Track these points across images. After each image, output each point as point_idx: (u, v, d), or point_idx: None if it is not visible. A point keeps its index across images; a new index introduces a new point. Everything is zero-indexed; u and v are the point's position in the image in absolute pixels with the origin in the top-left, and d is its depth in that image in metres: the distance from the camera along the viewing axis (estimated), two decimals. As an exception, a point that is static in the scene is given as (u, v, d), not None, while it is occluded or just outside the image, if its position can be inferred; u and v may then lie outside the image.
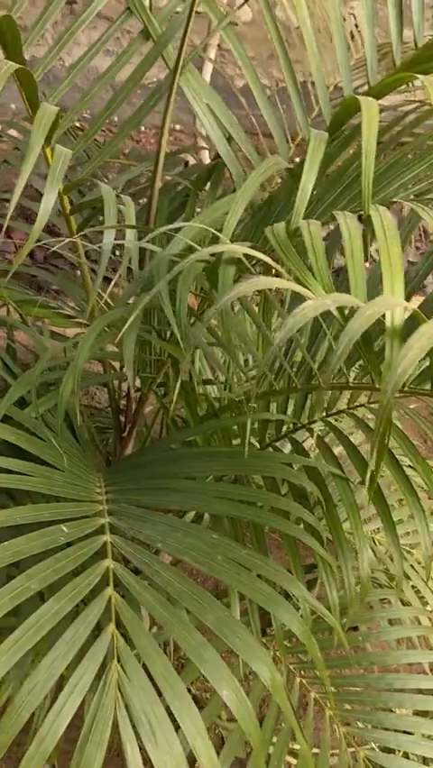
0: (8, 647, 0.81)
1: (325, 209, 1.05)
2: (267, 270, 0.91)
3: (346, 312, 0.81)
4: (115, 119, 2.68)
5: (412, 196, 0.99)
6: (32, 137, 0.90)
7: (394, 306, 0.63)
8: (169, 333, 1.29)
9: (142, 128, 3.06)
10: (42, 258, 2.71)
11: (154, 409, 1.76)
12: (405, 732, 1.23)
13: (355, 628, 1.40)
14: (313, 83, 1.27)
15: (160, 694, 0.84)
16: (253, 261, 0.87)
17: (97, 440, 1.60)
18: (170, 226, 0.88)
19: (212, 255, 0.90)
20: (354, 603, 1.12)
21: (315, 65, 1.22)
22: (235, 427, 1.34)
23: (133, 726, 0.83)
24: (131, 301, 1.04)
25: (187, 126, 3.29)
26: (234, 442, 1.33)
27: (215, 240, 0.93)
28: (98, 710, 0.82)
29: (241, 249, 0.79)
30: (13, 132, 1.83)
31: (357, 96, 0.88)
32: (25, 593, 0.86)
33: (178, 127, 3.21)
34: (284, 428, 1.33)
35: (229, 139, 1.25)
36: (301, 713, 1.26)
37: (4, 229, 1.05)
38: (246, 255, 0.85)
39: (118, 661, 0.86)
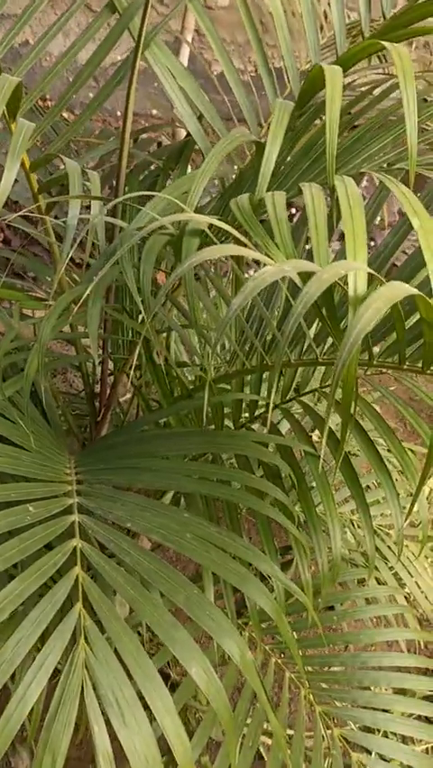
0: (-29, 628, 0.79)
1: (293, 183, 1.03)
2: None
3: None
4: (83, 102, 2.65)
5: (382, 169, 0.98)
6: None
7: (354, 269, 0.62)
8: (139, 314, 1.27)
9: (118, 113, 3.03)
10: (19, 245, 2.68)
11: (130, 393, 1.75)
12: (382, 710, 1.23)
13: (331, 608, 1.40)
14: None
15: (130, 676, 0.83)
16: (220, 235, 0.86)
17: (75, 426, 1.58)
18: (134, 195, 0.86)
19: (177, 228, 0.88)
20: (327, 582, 1.11)
21: (285, 47, 1.20)
22: (210, 410, 1.33)
23: (102, 707, 0.82)
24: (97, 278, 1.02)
25: (166, 111, 3.25)
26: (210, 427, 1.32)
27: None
28: (65, 690, 0.81)
29: (204, 218, 0.78)
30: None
31: (322, 65, 0.86)
32: (-11, 573, 0.84)
33: (155, 112, 3.18)
34: (258, 410, 1.32)
35: (200, 117, 1.24)
36: (277, 694, 1.25)
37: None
38: (212, 230, 0.84)
39: (85, 640, 0.84)
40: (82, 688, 0.81)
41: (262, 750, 1.60)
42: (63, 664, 0.84)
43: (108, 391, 1.51)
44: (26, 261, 1.51)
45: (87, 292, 0.83)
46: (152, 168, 1.48)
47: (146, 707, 0.81)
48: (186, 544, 0.92)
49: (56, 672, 0.82)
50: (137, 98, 1.23)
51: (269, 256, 0.77)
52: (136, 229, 0.89)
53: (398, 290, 0.59)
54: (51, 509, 0.96)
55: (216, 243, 0.86)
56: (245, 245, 0.79)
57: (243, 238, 0.80)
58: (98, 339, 1.30)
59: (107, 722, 0.80)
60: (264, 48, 1.30)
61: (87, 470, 1.09)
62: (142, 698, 0.82)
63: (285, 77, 1.34)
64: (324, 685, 1.24)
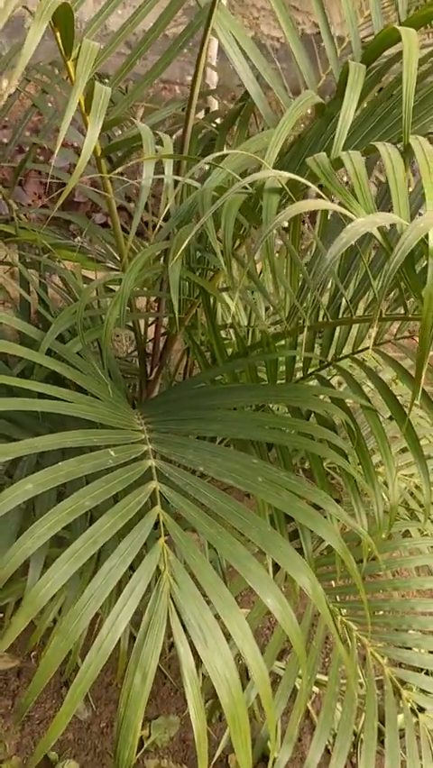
0: (68, 557, 0.86)
1: (358, 144, 1.07)
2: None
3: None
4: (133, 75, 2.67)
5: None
6: (78, 69, 0.92)
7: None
8: (199, 270, 1.32)
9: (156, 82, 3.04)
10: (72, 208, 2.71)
11: (178, 354, 1.81)
12: (430, 652, 1.30)
13: (373, 560, 1.46)
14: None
15: (209, 603, 0.90)
16: (284, 196, 0.89)
17: (124, 386, 1.64)
18: (214, 155, 0.90)
19: (252, 186, 0.92)
20: (382, 529, 1.17)
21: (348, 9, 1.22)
22: (264, 368, 1.38)
23: (186, 632, 0.88)
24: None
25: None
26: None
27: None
28: (152, 617, 0.88)
29: (286, 174, 0.82)
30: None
31: (395, 27, 0.90)
32: (80, 510, 0.91)
33: (189, 79, 3.19)
34: (311, 367, 1.37)
35: (258, 78, 1.27)
36: (330, 636, 1.32)
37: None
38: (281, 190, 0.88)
39: (169, 572, 0.91)
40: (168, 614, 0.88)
41: (309, 707, 1.69)
42: (148, 595, 0.90)
43: (161, 350, 1.56)
44: (80, 221, 1.55)
45: (165, 248, 0.87)
46: (203, 133, 1.52)
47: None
48: (257, 487, 0.98)
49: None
50: (169, 68, 1.26)
51: (350, 211, 0.81)
52: (213, 187, 0.93)
53: None
54: (131, 454, 1.02)
55: (292, 198, 0.91)
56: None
57: (324, 196, 0.84)
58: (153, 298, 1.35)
59: (191, 644, 0.87)
60: (315, 14, 1.32)
61: (155, 420, 1.15)
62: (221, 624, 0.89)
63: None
64: (375, 627, 1.31)
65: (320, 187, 0.90)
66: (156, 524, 0.95)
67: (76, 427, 1.12)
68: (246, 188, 0.95)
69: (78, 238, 1.98)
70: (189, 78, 3.33)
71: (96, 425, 1.05)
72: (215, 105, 2.55)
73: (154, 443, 1.07)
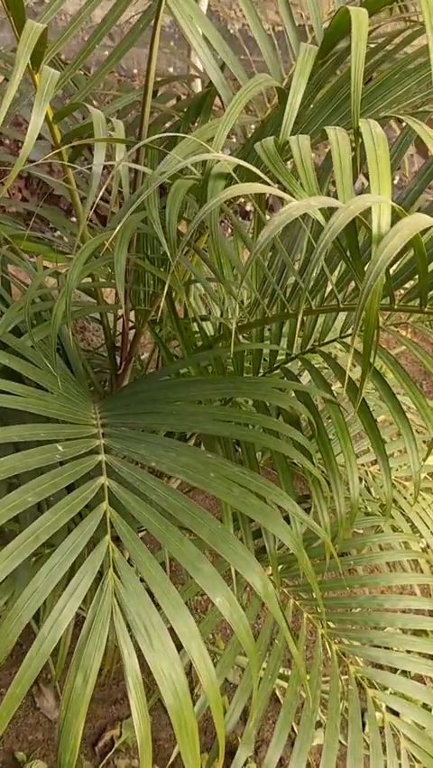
0: (8, 553, 0.83)
1: (316, 129, 1.04)
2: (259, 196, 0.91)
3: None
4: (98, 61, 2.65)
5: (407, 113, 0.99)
6: (18, 51, 0.89)
7: (378, 201, 0.64)
8: (162, 264, 1.29)
9: (135, 71, 3.01)
10: (39, 201, 2.69)
11: (151, 346, 1.78)
12: (397, 650, 1.27)
13: (346, 555, 1.44)
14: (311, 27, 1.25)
15: (157, 605, 0.87)
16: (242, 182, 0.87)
17: (95, 380, 1.61)
18: (159, 136, 0.87)
19: (201, 173, 0.90)
20: (344, 524, 1.14)
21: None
22: (230, 361, 1.36)
23: (130, 632, 0.86)
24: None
25: (180, 71, 3.22)
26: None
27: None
28: (96, 615, 0.85)
29: (230, 159, 0.79)
30: None
31: (348, 7, 0.87)
32: (23, 505, 0.88)
33: (171, 70, 3.15)
34: (276, 362, 1.34)
35: (222, 67, 1.24)
36: (295, 632, 1.30)
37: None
38: (235, 176, 0.86)
39: (114, 570, 0.88)
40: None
41: (278, 693, 1.67)
42: (91, 594, 0.88)
43: (129, 344, 1.53)
44: (47, 214, 1.53)
45: (113, 236, 0.85)
46: (173, 121, 1.49)
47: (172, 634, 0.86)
48: (209, 483, 0.96)
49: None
50: (157, 59, 1.23)
51: (293, 196, 0.78)
52: (161, 173, 0.90)
53: (422, 220, 0.61)
54: (80, 449, 0.99)
55: (237, 182, 0.88)
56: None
57: (268, 180, 0.82)
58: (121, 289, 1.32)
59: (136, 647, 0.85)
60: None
61: (112, 414, 1.13)
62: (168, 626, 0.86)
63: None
64: (341, 625, 1.28)
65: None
66: (105, 521, 0.93)
67: (30, 422, 1.10)
68: (196, 176, 0.92)
69: (54, 233, 1.95)
70: (172, 69, 3.30)
71: (46, 420, 1.03)
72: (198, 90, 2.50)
73: (107, 438, 1.04)
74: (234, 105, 0.88)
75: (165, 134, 0.89)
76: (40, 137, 1.30)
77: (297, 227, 1.17)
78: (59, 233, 2.08)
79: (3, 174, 2.36)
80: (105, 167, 1.16)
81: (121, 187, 1.05)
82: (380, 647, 1.26)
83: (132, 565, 0.89)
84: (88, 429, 1.05)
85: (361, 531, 1.50)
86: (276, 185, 0.85)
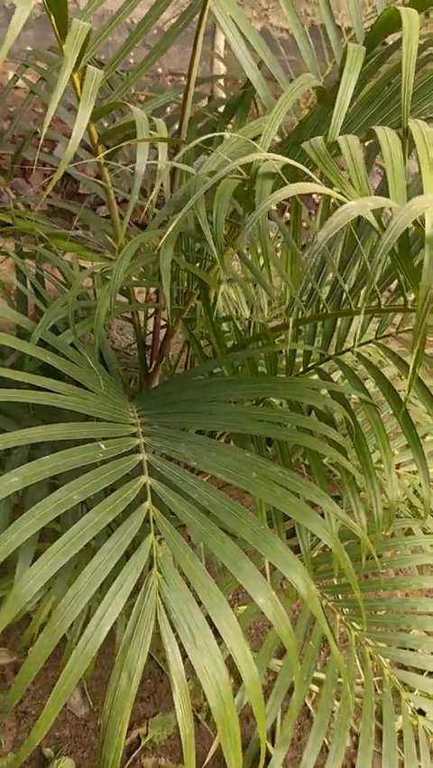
0: (55, 552, 0.84)
1: (359, 129, 1.04)
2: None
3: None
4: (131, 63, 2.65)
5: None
6: (66, 50, 0.89)
7: (438, 202, 0.64)
8: (198, 262, 1.29)
9: (159, 70, 3.01)
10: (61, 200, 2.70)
11: (180, 346, 1.78)
12: (431, 653, 1.27)
13: (378, 557, 1.43)
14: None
15: (200, 603, 0.87)
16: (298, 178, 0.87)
17: (124, 378, 1.62)
18: (206, 137, 0.87)
19: (248, 173, 0.90)
20: (382, 526, 1.14)
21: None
22: (263, 361, 1.35)
23: (174, 631, 0.86)
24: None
25: (203, 71, 3.22)
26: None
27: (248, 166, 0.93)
28: (140, 614, 0.85)
29: (280, 158, 0.79)
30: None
31: (397, 8, 0.86)
32: (68, 503, 0.88)
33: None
34: (311, 361, 1.34)
35: (260, 65, 1.24)
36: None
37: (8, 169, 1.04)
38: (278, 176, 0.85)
39: (158, 569, 0.88)
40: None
41: (307, 702, 1.66)
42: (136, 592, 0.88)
43: (160, 343, 1.54)
44: (77, 210, 1.53)
45: (164, 236, 0.85)
46: (205, 120, 1.49)
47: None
48: (250, 482, 0.96)
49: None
50: (176, 58, 1.23)
51: (343, 195, 0.78)
52: (208, 174, 0.90)
53: None
54: (121, 447, 0.99)
55: (285, 183, 0.88)
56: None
57: (316, 179, 0.82)
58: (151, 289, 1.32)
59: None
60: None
61: (149, 413, 1.13)
62: (211, 623, 0.87)
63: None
64: (373, 627, 1.28)
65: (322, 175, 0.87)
66: (146, 519, 0.93)
67: (69, 420, 1.10)
68: (243, 175, 0.92)
69: (82, 231, 1.95)
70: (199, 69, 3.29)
71: (87, 418, 1.03)
72: (222, 93, 2.51)
73: (147, 437, 1.04)
74: (283, 104, 0.88)
75: (214, 134, 0.88)
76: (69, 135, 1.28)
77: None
78: (80, 231, 2.08)
79: (30, 172, 2.37)
80: (133, 167, 1.16)
81: (162, 186, 1.05)
82: (408, 649, 1.26)
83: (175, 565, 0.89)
84: (127, 428, 1.05)
85: (386, 534, 1.49)
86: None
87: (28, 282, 1.26)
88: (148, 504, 0.93)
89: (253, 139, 0.97)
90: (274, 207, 0.86)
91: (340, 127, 1.10)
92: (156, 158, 1.06)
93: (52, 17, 1.14)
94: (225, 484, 1.02)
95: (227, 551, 0.90)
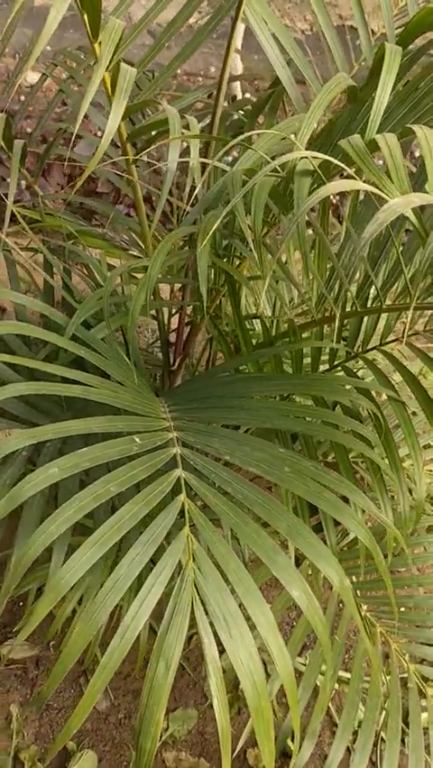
0: (93, 543, 0.85)
1: (391, 129, 1.05)
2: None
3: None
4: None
5: None
6: (103, 47, 0.90)
7: None
8: (225, 258, 1.30)
9: (177, 71, 3.02)
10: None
11: (200, 345, 1.79)
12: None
13: (396, 555, 1.44)
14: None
15: (233, 593, 0.88)
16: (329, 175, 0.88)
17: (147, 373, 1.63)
18: (244, 135, 0.88)
19: (282, 170, 0.91)
20: (409, 522, 1.15)
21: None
22: (287, 359, 1.36)
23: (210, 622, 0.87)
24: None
25: (218, 71, 3.24)
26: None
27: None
28: (176, 605, 0.86)
29: (320, 155, 0.80)
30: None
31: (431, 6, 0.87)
32: (106, 495, 0.89)
33: (213, 70, 3.17)
34: (337, 358, 1.35)
35: (289, 63, 1.25)
36: (354, 630, 1.30)
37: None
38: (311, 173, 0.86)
39: (194, 560, 0.89)
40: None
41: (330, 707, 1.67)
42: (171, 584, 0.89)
43: (184, 339, 1.55)
44: (104, 207, 1.54)
45: (201, 232, 0.86)
46: (230, 120, 1.50)
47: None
48: (284, 477, 0.97)
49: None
50: (191, 59, 1.24)
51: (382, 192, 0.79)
52: (246, 170, 0.91)
53: None
54: (155, 441, 1.00)
55: (323, 180, 0.88)
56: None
57: (354, 175, 0.82)
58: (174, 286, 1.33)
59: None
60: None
61: (179, 408, 1.14)
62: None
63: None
64: (398, 624, 1.28)
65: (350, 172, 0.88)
66: (180, 512, 0.94)
67: (98, 413, 1.11)
68: (276, 172, 0.93)
69: (101, 228, 1.96)
70: (213, 69, 3.32)
71: (120, 412, 1.04)
72: (238, 93, 2.53)
73: (179, 431, 1.05)
74: (320, 101, 0.89)
75: (246, 135, 0.89)
76: (92, 132, 1.29)
77: (362, 226, 1.17)
78: (105, 229, 2.10)
79: (50, 166, 2.38)
80: (156, 166, 1.17)
81: (194, 183, 1.06)
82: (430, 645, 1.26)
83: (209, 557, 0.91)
84: (160, 422, 1.06)
85: (414, 530, 1.50)
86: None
87: (59, 278, 1.28)
88: (183, 497, 0.95)
89: (284, 138, 0.98)
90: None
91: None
92: (184, 157, 1.07)
93: (85, 16, 1.16)
94: (254, 477, 1.03)
95: (262, 543, 0.90)
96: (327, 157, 0.81)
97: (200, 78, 3.13)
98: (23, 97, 2.78)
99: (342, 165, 0.81)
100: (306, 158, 0.86)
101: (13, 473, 1.11)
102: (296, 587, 0.89)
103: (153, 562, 0.89)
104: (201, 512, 0.93)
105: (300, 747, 1.14)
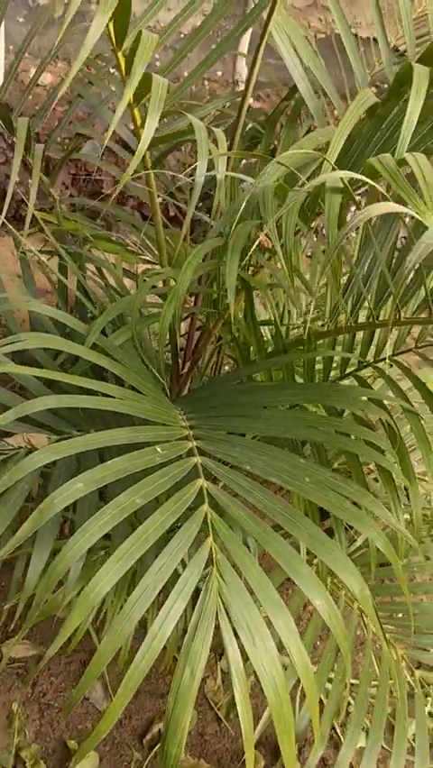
0: (119, 556, 0.86)
1: (415, 146, 1.06)
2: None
3: None
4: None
5: None
6: (136, 59, 0.91)
7: None
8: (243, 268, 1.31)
9: (184, 75, 3.02)
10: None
11: (208, 351, 1.80)
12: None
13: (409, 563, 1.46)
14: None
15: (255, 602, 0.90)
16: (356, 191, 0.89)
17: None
18: (286, 154, 0.90)
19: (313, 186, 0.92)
20: (420, 530, 1.17)
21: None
22: (300, 369, 1.38)
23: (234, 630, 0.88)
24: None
25: (227, 74, 3.23)
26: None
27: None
28: (201, 614, 0.88)
29: (349, 174, 0.82)
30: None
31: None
32: (131, 507, 0.90)
33: (219, 74, 3.17)
34: (349, 367, 1.36)
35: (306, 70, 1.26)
36: (360, 637, 1.33)
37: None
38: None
39: (217, 570, 0.91)
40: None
41: (322, 697, 1.69)
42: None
43: (194, 346, 1.56)
44: (121, 213, 1.55)
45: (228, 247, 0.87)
46: (246, 129, 1.51)
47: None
48: (305, 487, 0.98)
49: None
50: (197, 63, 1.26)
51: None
52: (276, 188, 0.92)
53: None
54: (177, 451, 1.01)
55: (353, 198, 0.90)
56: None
57: (385, 194, 0.84)
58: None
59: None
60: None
61: (196, 416, 1.15)
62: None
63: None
64: (402, 629, 1.31)
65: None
66: (204, 522, 0.95)
67: (115, 420, 1.12)
68: (302, 185, 0.94)
69: (105, 231, 1.97)
70: (220, 74, 3.32)
71: (141, 422, 1.05)
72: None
73: (198, 440, 1.06)
74: (350, 116, 0.91)
75: (286, 153, 0.91)
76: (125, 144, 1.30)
77: (378, 239, 1.19)
78: (118, 233, 2.10)
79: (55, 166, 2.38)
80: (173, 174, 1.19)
81: (211, 192, 1.07)
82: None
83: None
84: (179, 431, 1.07)
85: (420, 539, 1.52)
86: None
87: (74, 281, 1.28)
88: (205, 507, 0.96)
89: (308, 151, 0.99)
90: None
91: (390, 143, 1.12)
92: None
93: (110, 24, 1.16)
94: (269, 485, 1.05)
95: (285, 553, 0.92)
96: (357, 175, 0.83)
97: (206, 82, 3.13)
98: (30, 96, 2.77)
99: (369, 181, 0.83)
100: (333, 174, 0.87)
101: (30, 481, 1.12)
102: (318, 597, 0.91)
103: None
104: (225, 523, 0.94)
105: (311, 753, 1.16)
